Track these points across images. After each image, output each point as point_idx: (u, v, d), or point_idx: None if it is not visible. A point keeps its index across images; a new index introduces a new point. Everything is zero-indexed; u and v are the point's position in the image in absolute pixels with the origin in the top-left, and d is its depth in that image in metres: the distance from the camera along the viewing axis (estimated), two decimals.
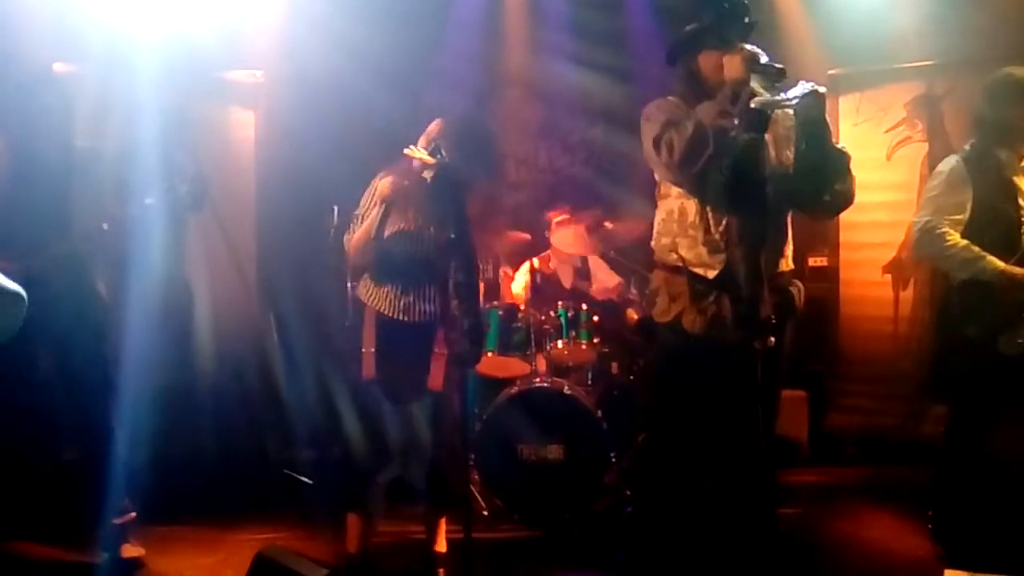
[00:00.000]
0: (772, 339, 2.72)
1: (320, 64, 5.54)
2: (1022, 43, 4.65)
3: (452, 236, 3.04)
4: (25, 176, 3.43)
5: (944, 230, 3.31)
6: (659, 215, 2.99)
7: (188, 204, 3.90)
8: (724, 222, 2.80)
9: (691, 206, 2.86)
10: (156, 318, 4.73)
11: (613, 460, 4.12)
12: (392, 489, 3.50)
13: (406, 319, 3.37)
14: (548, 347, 4.40)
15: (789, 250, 2.96)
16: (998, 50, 4.68)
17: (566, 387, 4.21)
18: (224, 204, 4.78)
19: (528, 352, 4.41)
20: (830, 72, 5.08)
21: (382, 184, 3.30)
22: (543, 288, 4.75)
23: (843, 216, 5.12)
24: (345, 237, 3.45)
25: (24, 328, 3.36)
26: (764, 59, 2.68)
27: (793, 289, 2.93)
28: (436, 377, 3.35)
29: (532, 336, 4.39)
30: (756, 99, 2.67)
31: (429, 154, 3.17)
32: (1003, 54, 4.55)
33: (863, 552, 3.68)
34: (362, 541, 3.44)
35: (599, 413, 4.15)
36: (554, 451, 4.09)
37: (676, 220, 2.89)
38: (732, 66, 2.68)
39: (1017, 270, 3.25)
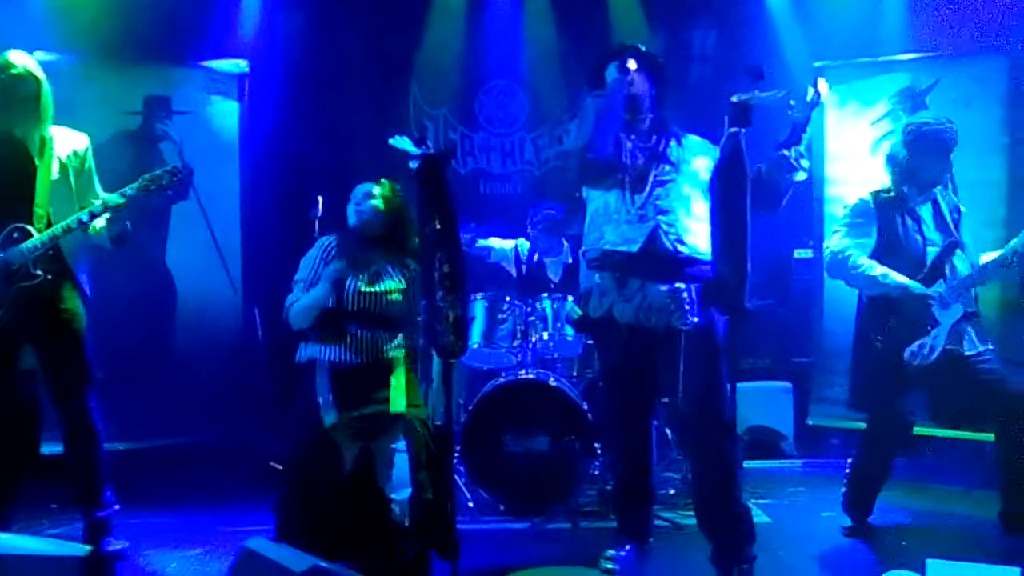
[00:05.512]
0: (694, 319, 3.00)
1: (305, 54, 5.53)
2: (1006, 36, 4.68)
3: (438, 227, 3.02)
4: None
5: (850, 253, 3.56)
6: (588, 218, 3.27)
7: (170, 194, 3.87)
8: (640, 200, 3.08)
9: (612, 196, 3.15)
10: (138, 308, 4.72)
11: (599, 451, 4.13)
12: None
13: (359, 360, 3.36)
14: (534, 338, 4.40)
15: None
16: (983, 43, 4.72)
17: (552, 379, 4.21)
18: (208, 194, 4.76)
19: (514, 343, 4.41)
20: (815, 64, 5.08)
21: (335, 264, 3.39)
22: (527, 276, 4.75)
23: (828, 209, 5.20)
24: (288, 301, 3.43)
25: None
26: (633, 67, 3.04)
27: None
28: (397, 401, 3.33)
29: (518, 327, 4.39)
30: (736, 95, 2.85)
31: (414, 144, 3.15)
32: (988, 47, 4.60)
33: (845, 542, 3.70)
34: None
35: (584, 405, 4.15)
36: (539, 442, 4.09)
37: (602, 213, 3.18)
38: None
39: (918, 285, 3.48)
